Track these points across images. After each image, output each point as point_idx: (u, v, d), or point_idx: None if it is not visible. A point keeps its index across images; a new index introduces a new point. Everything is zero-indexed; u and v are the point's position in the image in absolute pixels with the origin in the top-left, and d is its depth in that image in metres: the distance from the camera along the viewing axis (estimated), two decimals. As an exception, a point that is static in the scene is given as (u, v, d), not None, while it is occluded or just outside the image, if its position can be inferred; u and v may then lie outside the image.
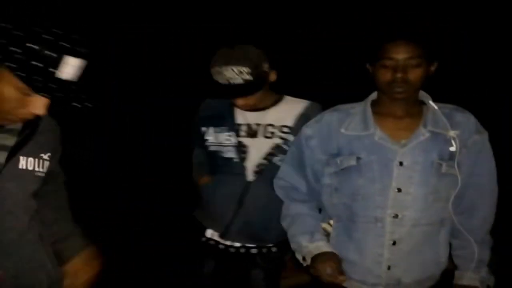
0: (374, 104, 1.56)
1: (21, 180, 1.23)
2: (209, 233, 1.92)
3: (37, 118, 1.20)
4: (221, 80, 1.74)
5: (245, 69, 1.71)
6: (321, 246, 1.51)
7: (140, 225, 3.72)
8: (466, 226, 1.50)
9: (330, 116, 1.59)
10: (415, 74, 1.41)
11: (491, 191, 1.53)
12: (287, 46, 4.18)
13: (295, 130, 1.79)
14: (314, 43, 4.46)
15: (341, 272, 1.44)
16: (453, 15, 3.91)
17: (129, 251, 3.28)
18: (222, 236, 1.86)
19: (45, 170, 1.29)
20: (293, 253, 1.62)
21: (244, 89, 1.74)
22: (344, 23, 4.35)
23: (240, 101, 1.79)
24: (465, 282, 1.50)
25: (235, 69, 1.71)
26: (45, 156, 1.29)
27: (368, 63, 1.51)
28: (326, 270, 1.42)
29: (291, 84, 2.01)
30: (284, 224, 1.65)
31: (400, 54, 1.40)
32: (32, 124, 1.24)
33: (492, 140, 1.52)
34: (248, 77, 1.72)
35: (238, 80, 1.72)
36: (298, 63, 4.17)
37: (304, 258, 1.54)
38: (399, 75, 1.40)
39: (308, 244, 1.52)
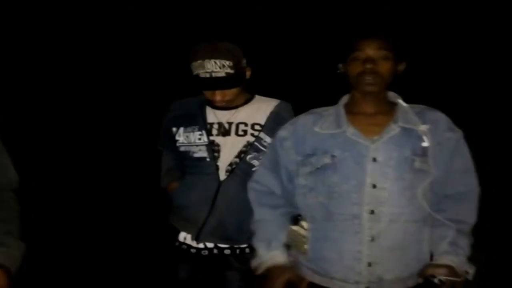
0: (346, 105, 1.61)
1: None
2: (182, 236, 1.88)
3: None
4: (202, 73, 1.74)
5: (227, 63, 1.73)
6: (276, 256, 1.55)
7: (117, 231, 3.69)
8: (447, 217, 1.50)
9: (304, 119, 1.63)
10: (384, 66, 1.47)
11: (467, 187, 1.53)
12: (259, 45, 4.23)
13: (266, 127, 1.82)
14: (288, 43, 4.53)
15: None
16: (423, 15, 4.00)
17: (107, 260, 3.25)
18: (195, 238, 1.82)
19: None
20: None
21: (225, 82, 1.75)
22: (316, 23, 4.41)
23: (218, 96, 1.79)
24: (440, 262, 1.45)
25: (218, 62, 1.72)
26: None
27: (341, 61, 1.56)
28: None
29: (262, 84, 2.03)
30: (252, 228, 1.66)
31: (370, 47, 1.47)
32: None
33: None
34: (230, 70, 1.74)
35: (221, 73, 1.73)
36: (270, 63, 4.21)
37: (257, 266, 1.56)
38: (368, 65, 1.46)
39: (264, 253, 1.56)
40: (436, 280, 1.40)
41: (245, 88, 1.90)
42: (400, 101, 1.58)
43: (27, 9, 4.36)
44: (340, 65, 1.57)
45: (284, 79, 4.29)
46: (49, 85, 4.57)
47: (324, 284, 1.50)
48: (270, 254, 1.55)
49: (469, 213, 1.52)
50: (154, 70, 4.70)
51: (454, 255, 1.45)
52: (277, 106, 1.88)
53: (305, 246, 1.54)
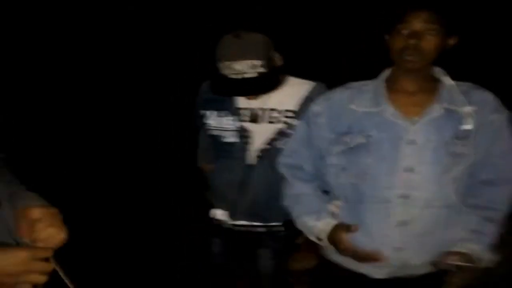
0: (387, 80, 1.51)
1: None
2: (215, 212, 1.91)
3: None
4: (232, 75, 1.62)
5: (258, 62, 1.61)
6: (330, 221, 1.50)
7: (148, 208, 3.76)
8: (472, 203, 1.43)
9: (340, 94, 1.54)
10: (429, 42, 1.34)
11: (506, 172, 1.44)
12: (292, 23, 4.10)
13: (299, 114, 1.72)
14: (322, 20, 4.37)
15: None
16: None
17: (142, 235, 3.34)
18: (230, 216, 1.85)
19: None
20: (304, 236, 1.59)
21: (258, 84, 1.64)
22: None
23: (252, 97, 1.72)
24: (456, 249, 1.40)
25: (248, 63, 1.60)
26: None
27: (386, 32, 1.44)
28: (345, 244, 1.43)
29: (297, 63, 1.95)
30: (286, 203, 1.63)
31: (417, 21, 1.34)
32: None
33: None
34: (262, 70, 1.62)
35: (252, 73, 1.61)
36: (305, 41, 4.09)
37: (319, 238, 1.51)
38: (412, 41, 1.34)
39: (316, 223, 1.50)
40: (447, 266, 1.37)
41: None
42: (446, 78, 1.46)
43: (27, 9, 4.36)
44: (387, 36, 1.45)
45: (322, 55, 4.18)
46: (49, 85, 4.62)
47: (350, 266, 1.49)
48: (323, 222, 1.51)
49: (502, 200, 1.45)
50: (154, 70, 4.68)
51: (473, 243, 1.40)
52: (310, 90, 1.77)
53: None
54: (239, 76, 1.61)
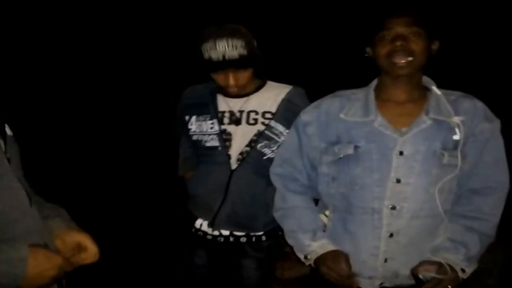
0: (376, 89, 1.49)
1: (14, 147, 1.21)
2: (198, 223, 1.89)
3: None
4: (215, 56, 1.65)
5: (239, 43, 1.65)
6: (326, 244, 1.48)
7: (129, 220, 3.71)
8: (459, 211, 1.43)
9: (330, 102, 1.52)
10: (416, 44, 1.34)
11: (496, 182, 1.43)
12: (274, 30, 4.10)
13: (277, 115, 1.76)
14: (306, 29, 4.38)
15: (353, 275, 1.41)
16: None
17: (122, 247, 3.26)
18: (211, 225, 1.83)
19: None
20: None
21: (239, 63, 1.67)
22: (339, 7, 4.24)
23: (231, 80, 1.70)
24: (432, 258, 1.39)
25: (230, 42, 1.64)
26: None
27: (368, 44, 1.43)
28: (341, 272, 1.40)
29: (277, 70, 1.96)
30: (277, 215, 1.61)
31: (400, 24, 1.34)
32: None
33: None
34: (242, 51, 1.65)
35: (233, 54, 1.65)
36: (281, 46, 4.09)
37: (306, 257, 1.49)
38: (398, 43, 1.33)
39: (312, 243, 1.48)
40: (421, 277, 1.36)
41: (256, 74, 1.82)
42: (434, 88, 1.46)
43: (26, 9, 4.32)
44: (368, 49, 1.45)
45: (299, 62, 4.18)
46: (48, 85, 4.58)
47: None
48: (318, 243, 1.48)
49: (491, 210, 1.43)
50: (154, 70, 4.66)
51: (451, 253, 1.38)
52: (288, 93, 1.79)
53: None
54: (220, 57, 1.64)
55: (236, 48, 1.64)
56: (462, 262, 1.36)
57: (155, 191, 4.02)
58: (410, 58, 1.34)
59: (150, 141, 4.55)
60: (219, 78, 1.72)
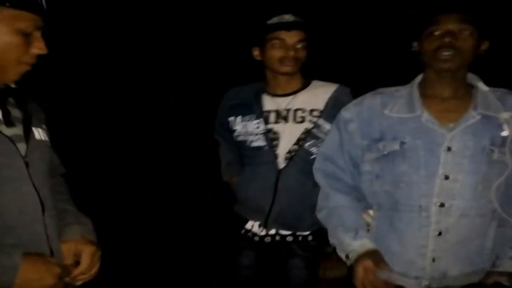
0: (420, 86, 1.47)
1: (42, 151, 1.19)
2: (250, 224, 1.88)
3: (11, 88, 1.16)
4: (282, 19, 1.75)
5: (298, 18, 1.76)
6: (366, 243, 1.44)
7: (178, 220, 3.75)
8: None
9: (372, 99, 1.50)
10: (464, 41, 1.32)
11: None
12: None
13: (325, 113, 1.76)
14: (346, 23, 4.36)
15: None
16: None
17: (173, 248, 3.33)
18: (264, 225, 1.82)
19: (48, 140, 1.25)
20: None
21: (304, 26, 1.77)
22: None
23: (290, 51, 1.74)
24: (501, 269, 1.38)
25: (293, 16, 1.76)
26: (44, 127, 1.25)
27: (415, 39, 1.41)
28: (371, 273, 1.37)
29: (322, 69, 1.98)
30: (320, 215, 1.58)
31: (450, 21, 1.32)
32: (12, 93, 1.17)
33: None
34: (302, 21, 1.77)
35: (298, 19, 1.76)
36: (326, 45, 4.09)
37: (347, 256, 1.46)
38: (447, 39, 1.31)
39: (352, 242, 1.45)
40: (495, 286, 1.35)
41: (302, 73, 1.84)
42: (480, 84, 1.43)
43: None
44: (415, 44, 1.43)
45: (342, 63, 4.18)
46: (48, 85, 4.55)
47: (382, 276, 1.44)
48: (359, 242, 1.45)
49: None
50: (154, 70, 4.66)
51: None
52: (335, 91, 1.80)
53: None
54: (286, 19, 1.75)
55: (299, 20, 1.76)
56: None
57: (203, 193, 3.99)
58: (456, 55, 1.32)
59: (170, 130, 4.45)
60: (278, 51, 1.75)
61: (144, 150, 4.53)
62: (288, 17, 1.74)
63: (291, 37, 1.74)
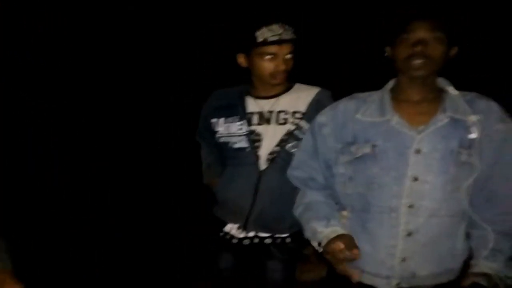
0: (392, 90, 1.52)
1: None
2: (228, 227, 1.90)
3: None
4: (272, 37, 1.73)
5: (288, 27, 1.77)
6: (338, 230, 1.47)
7: (156, 223, 3.75)
8: (486, 216, 1.42)
9: (346, 104, 1.55)
10: (435, 49, 1.36)
11: None
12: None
13: (307, 115, 1.78)
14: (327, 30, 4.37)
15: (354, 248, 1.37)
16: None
17: (148, 251, 3.34)
18: (244, 228, 1.84)
19: None
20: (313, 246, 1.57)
21: (292, 40, 1.77)
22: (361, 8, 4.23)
23: (282, 66, 1.76)
24: (476, 270, 1.41)
25: (282, 26, 1.75)
26: None
27: (388, 44, 1.46)
28: (339, 245, 1.37)
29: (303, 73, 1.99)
30: (297, 212, 1.62)
31: (422, 29, 1.36)
32: None
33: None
34: (292, 35, 1.77)
35: (288, 35, 1.76)
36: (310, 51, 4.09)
37: (319, 244, 1.49)
38: (418, 48, 1.35)
39: (324, 229, 1.48)
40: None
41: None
42: (450, 88, 1.47)
43: (25, 9, 4.40)
44: (388, 48, 1.47)
45: (324, 67, 4.17)
46: (47, 85, 4.60)
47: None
48: (330, 229, 1.48)
49: None
50: (154, 70, 4.69)
51: (493, 261, 1.40)
52: (317, 94, 1.84)
53: None
54: (277, 37, 1.74)
55: (288, 30, 1.76)
56: (503, 269, 1.39)
57: (178, 196, 4.03)
58: (427, 63, 1.37)
59: (170, 130, 4.51)
60: (269, 65, 1.77)
61: (144, 150, 4.56)
62: (277, 29, 1.75)
63: (282, 50, 1.76)
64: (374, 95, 1.53)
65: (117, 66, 4.64)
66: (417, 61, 1.36)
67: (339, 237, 1.42)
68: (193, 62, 4.51)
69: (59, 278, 3.00)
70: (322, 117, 1.58)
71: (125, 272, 3.12)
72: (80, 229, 3.60)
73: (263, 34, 1.74)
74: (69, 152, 4.37)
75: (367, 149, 1.44)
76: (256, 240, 1.85)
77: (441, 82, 1.49)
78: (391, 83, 1.54)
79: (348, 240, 1.40)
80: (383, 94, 1.51)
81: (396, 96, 1.49)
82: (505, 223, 1.42)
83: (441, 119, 1.40)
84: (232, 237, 1.88)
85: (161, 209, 3.95)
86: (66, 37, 4.51)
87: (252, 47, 1.76)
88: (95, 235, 3.55)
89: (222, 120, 1.88)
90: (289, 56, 1.78)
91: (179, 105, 4.35)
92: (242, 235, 1.85)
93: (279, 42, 1.74)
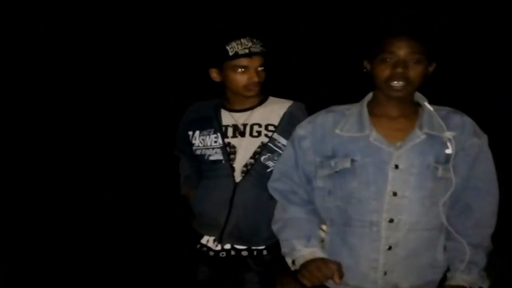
0: (369, 104, 1.53)
1: None
2: (205, 240, 1.89)
3: None
4: (241, 51, 1.76)
5: (257, 41, 1.80)
6: (316, 252, 1.46)
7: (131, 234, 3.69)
8: (460, 229, 1.45)
9: (324, 117, 1.55)
10: (415, 71, 1.38)
11: (489, 195, 1.47)
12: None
13: (279, 128, 1.81)
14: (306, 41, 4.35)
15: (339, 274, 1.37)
16: (457, 15, 3.69)
17: (127, 264, 3.28)
18: (219, 240, 1.83)
19: None
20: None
21: (264, 54, 1.81)
22: (340, 18, 4.21)
23: (255, 77, 1.78)
24: (453, 282, 1.44)
25: (251, 40, 1.79)
26: None
27: (366, 58, 1.47)
28: (322, 270, 1.37)
29: (278, 85, 2.00)
30: (275, 227, 1.61)
31: (402, 49, 1.36)
32: None
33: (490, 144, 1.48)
34: (261, 48, 1.81)
35: (257, 48, 1.79)
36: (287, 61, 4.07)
37: (293, 262, 1.49)
38: (399, 70, 1.36)
39: (303, 248, 1.48)
40: None
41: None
42: (426, 104, 1.50)
43: (25, 9, 4.40)
44: (366, 63, 1.48)
45: (296, 79, 4.17)
46: (46, 85, 4.59)
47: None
48: (309, 250, 1.47)
49: (488, 222, 1.48)
50: (155, 70, 4.67)
51: (468, 274, 1.43)
52: (290, 107, 1.86)
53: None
54: (247, 51, 1.77)
55: (257, 43, 1.79)
56: (478, 281, 1.42)
57: (158, 208, 3.99)
58: (407, 85, 1.39)
59: (170, 130, 4.55)
60: (242, 78, 1.79)
61: (144, 150, 4.52)
62: (246, 42, 1.78)
63: (253, 63, 1.79)
64: (353, 108, 1.53)
65: (117, 66, 4.63)
66: (398, 84, 1.38)
67: (318, 261, 1.41)
68: (193, 62, 4.50)
69: (59, 278, 2.99)
70: (301, 130, 1.57)
71: (125, 272, 3.11)
72: (80, 229, 3.61)
73: (233, 48, 1.77)
74: (69, 152, 4.37)
75: (346, 164, 1.45)
76: (233, 253, 1.85)
77: (418, 97, 1.52)
78: (369, 97, 1.55)
79: (329, 265, 1.39)
80: (361, 108, 1.51)
81: (374, 111, 1.50)
82: (478, 236, 1.46)
83: (418, 136, 1.42)
84: (209, 249, 1.87)
85: (161, 209, 3.94)
86: (66, 37, 4.48)
87: (223, 61, 1.79)
88: (95, 235, 3.58)
89: (197, 132, 1.90)
90: (260, 68, 1.81)
91: (179, 105, 4.34)
92: (218, 247, 1.85)
93: (249, 55, 1.77)
